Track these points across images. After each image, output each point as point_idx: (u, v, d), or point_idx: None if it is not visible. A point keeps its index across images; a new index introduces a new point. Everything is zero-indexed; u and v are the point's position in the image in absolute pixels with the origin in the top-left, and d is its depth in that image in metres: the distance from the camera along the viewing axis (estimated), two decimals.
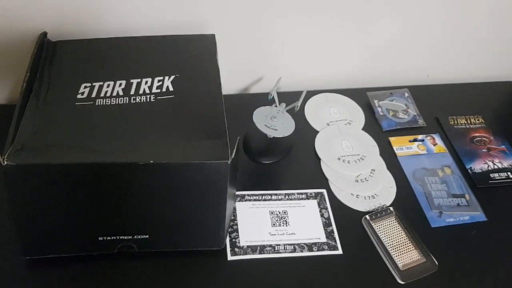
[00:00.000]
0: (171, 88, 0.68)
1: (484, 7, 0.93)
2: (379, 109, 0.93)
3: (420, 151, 0.86)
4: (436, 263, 0.70)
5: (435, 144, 0.88)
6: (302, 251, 0.70)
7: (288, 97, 0.81)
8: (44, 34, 0.74)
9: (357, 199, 0.78)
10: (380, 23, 0.92)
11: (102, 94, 0.66)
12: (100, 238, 0.64)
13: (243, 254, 0.69)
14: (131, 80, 0.68)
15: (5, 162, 0.55)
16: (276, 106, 0.79)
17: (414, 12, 0.92)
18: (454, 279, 0.69)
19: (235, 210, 0.74)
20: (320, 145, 0.85)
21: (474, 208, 0.78)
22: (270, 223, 0.73)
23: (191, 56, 0.74)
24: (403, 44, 0.96)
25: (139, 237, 0.65)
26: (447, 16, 0.94)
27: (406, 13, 0.91)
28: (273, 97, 0.80)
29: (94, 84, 0.67)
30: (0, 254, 0.66)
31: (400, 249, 0.71)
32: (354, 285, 0.68)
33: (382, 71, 1.00)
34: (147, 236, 0.65)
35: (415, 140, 0.88)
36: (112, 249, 0.65)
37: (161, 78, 0.69)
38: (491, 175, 0.83)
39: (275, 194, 0.77)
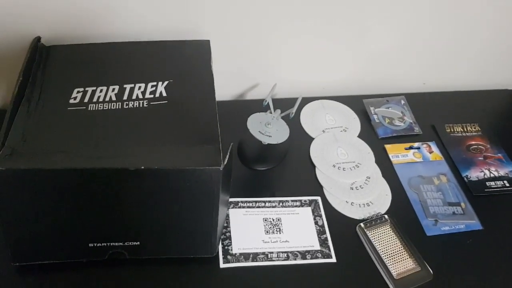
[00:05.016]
0: (164, 94, 0.68)
1: (480, 15, 0.93)
2: (375, 116, 0.92)
3: (416, 158, 0.86)
4: (431, 272, 0.69)
5: (431, 152, 0.87)
6: (295, 259, 0.69)
7: (283, 104, 0.81)
8: (38, 38, 0.74)
9: (351, 206, 0.77)
10: (376, 31, 0.92)
11: (94, 99, 0.66)
12: (91, 245, 0.63)
13: (235, 262, 0.68)
14: (124, 85, 0.68)
15: None
16: (270, 113, 0.78)
17: (411, 20, 0.91)
18: None
19: (228, 217, 0.73)
20: (315, 152, 0.85)
21: (469, 216, 0.77)
22: (263, 231, 0.72)
23: (185, 61, 0.73)
24: (400, 52, 0.96)
25: (130, 243, 0.64)
26: (443, 24, 0.93)
27: (402, 20, 0.91)
28: (268, 103, 0.80)
29: (87, 89, 0.67)
30: None
31: (395, 258, 0.71)
32: None
33: (378, 78, 1.00)
34: (138, 243, 0.64)
35: (411, 148, 0.88)
36: (103, 256, 0.65)
37: (155, 83, 0.69)
38: (487, 183, 0.83)
39: (269, 201, 0.76)
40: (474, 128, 0.93)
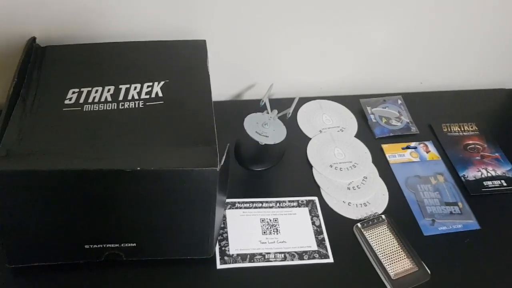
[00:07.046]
0: (160, 94, 0.67)
1: (478, 15, 0.93)
2: (372, 116, 0.92)
3: (413, 158, 0.86)
4: (429, 272, 0.69)
5: (428, 152, 0.87)
6: (292, 260, 0.69)
7: (280, 104, 0.80)
8: (33, 39, 0.74)
9: (349, 206, 0.77)
10: (373, 31, 0.92)
11: (90, 100, 0.65)
12: (87, 246, 0.63)
13: (232, 263, 0.68)
14: (120, 86, 0.68)
15: None
16: (267, 113, 0.78)
17: (408, 20, 0.91)
18: None
19: (225, 218, 0.73)
20: (312, 152, 0.84)
21: (467, 216, 0.77)
22: (260, 231, 0.72)
23: (182, 61, 0.73)
24: (397, 51, 0.96)
25: (126, 245, 0.64)
26: (440, 23, 0.93)
27: (399, 20, 0.91)
28: (264, 103, 0.80)
29: (82, 89, 0.67)
30: None
31: (392, 258, 0.70)
32: None
33: (375, 78, 1.00)
34: (135, 244, 0.64)
35: (408, 148, 0.87)
36: (99, 257, 0.64)
37: (151, 83, 0.69)
38: (484, 183, 0.83)
39: (266, 202, 0.76)
40: (471, 127, 0.93)
